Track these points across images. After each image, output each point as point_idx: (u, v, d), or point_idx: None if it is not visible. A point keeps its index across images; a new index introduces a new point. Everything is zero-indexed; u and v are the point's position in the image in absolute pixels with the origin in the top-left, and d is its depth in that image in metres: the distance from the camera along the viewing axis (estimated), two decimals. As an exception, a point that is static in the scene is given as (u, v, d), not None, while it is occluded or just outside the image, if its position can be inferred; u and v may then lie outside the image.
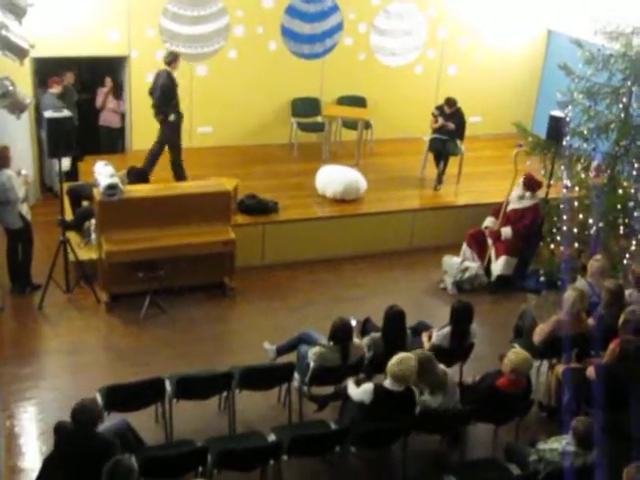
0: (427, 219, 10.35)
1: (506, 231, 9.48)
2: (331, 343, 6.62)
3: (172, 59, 9.82)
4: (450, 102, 10.80)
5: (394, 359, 6.06)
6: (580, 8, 11.29)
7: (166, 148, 10.11)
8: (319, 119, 11.82)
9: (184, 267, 8.54)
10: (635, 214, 8.99)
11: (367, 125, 11.69)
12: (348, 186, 10.18)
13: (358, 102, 11.96)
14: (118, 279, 8.39)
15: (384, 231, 10.09)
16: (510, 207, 9.59)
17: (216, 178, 9.52)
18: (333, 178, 10.26)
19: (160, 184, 9.18)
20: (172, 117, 9.92)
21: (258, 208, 9.65)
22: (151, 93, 10.00)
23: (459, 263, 9.44)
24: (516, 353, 6.36)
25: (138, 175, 9.04)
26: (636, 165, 8.85)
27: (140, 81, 10.87)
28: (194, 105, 11.27)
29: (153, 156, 10.18)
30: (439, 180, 10.96)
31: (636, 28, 8.63)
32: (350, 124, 11.76)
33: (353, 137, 11.62)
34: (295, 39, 11.60)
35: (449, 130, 10.80)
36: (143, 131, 11.06)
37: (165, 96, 9.81)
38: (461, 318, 7.03)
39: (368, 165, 11.24)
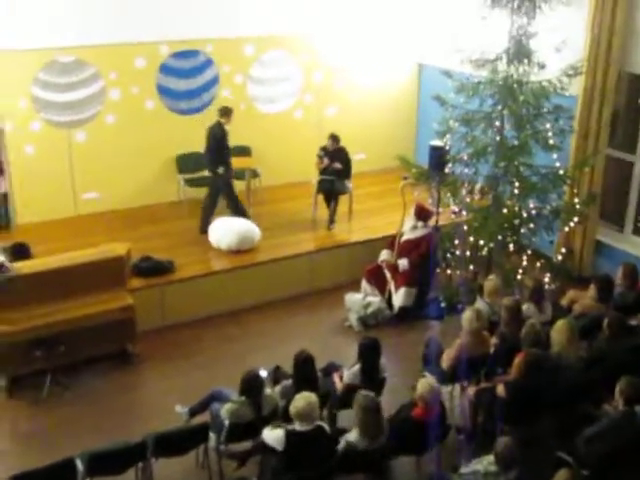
0: (324, 260, 10.44)
1: (403, 263, 9.66)
2: (243, 397, 6.53)
3: (225, 111, 10.56)
4: (334, 137, 11.03)
5: (294, 399, 6.04)
6: (446, 40, 11.69)
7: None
8: (206, 173, 11.79)
9: (84, 339, 8.26)
10: (522, 230, 9.32)
11: (254, 174, 11.75)
12: (242, 236, 10.16)
13: (243, 151, 11.99)
14: (15, 360, 8.04)
15: (284, 277, 10.11)
16: (404, 238, 9.79)
17: (107, 244, 9.32)
18: (226, 230, 10.22)
19: (48, 257, 8.89)
20: (221, 170, 10.52)
21: (154, 269, 9.50)
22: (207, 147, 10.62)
23: (361, 299, 9.54)
24: (421, 382, 6.44)
25: (19, 252, 8.79)
26: (516, 184, 9.16)
27: (18, 154, 10.61)
28: (76, 172, 11.09)
29: (206, 212, 10.79)
30: (331, 220, 11.09)
31: (498, 54, 9.01)
32: (237, 174, 11.73)
33: (242, 187, 11.61)
34: (172, 96, 11.60)
35: (335, 170, 10.98)
36: (27, 204, 10.78)
37: (218, 145, 10.50)
38: (369, 354, 7.06)
39: (260, 213, 11.27)
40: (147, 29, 10.89)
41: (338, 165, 10.95)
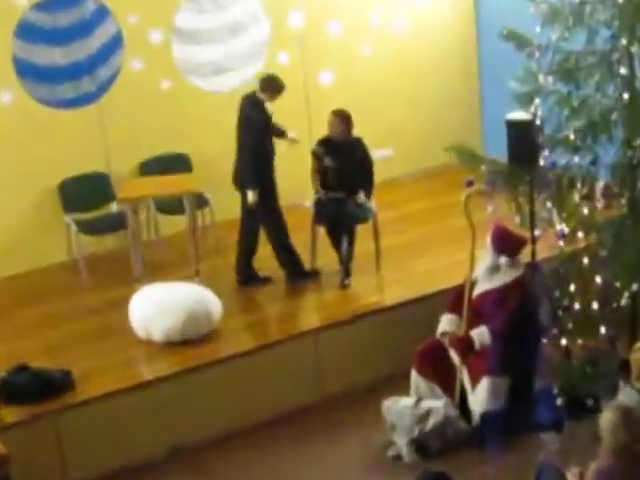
0: (340, 341, 10.36)
1: (481, 333, 9.53)
2: None
3: (268, 84, 10.76)
4: (342, 117, 10.96)
5: None
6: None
7: None
8: (114, 208, 11.81)
9: None
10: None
11: (201, 201, 11.77)
12: (190, 315, 10.06)
13: (176, 165, 12.12)
14: None
15: (271, 380, 10.02)
16: (477, 291, 9.67)
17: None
18: (161, 307, 10.13)
19: None
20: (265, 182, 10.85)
21: (38, 388, 9.42)
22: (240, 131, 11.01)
23: (412, 407, 9.40)
24: None
25: None
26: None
27: None
28: None
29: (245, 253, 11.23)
30: (346, 270, 11.07)
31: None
32: (170, 206, 11.77)
33: (180, 227, 11.66)
34: (41, 77, 11.57)
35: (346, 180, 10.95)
36: None
37: (259, 137, 10.76)
38: (437, 503, 6.96)
39: (217, 269, 11.40)
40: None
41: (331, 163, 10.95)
